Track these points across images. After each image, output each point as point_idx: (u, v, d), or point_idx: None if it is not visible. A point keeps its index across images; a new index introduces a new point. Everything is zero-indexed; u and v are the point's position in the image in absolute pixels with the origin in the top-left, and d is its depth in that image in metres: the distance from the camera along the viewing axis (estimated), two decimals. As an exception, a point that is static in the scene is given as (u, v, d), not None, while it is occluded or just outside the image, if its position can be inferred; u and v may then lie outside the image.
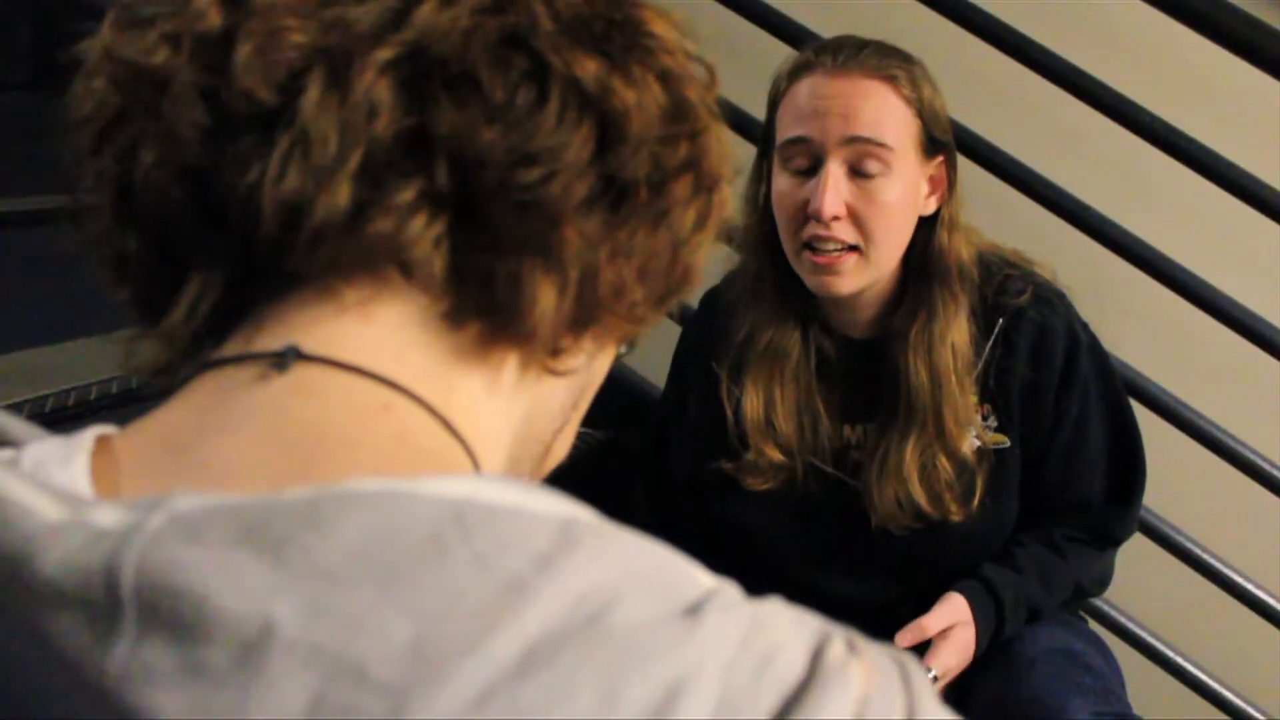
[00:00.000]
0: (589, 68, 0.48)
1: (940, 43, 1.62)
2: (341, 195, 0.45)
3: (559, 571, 0.37)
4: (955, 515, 1.29)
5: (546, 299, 0.48)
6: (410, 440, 0.45)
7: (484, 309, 0.48)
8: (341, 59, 0.46)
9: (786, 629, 0.40)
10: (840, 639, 0.40)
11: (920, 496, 1.28)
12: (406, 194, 0.46)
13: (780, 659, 0.38)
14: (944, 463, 1.28)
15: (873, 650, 0.41)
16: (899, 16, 1.32)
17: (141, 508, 0.39)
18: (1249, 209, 1.55)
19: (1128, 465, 1.35)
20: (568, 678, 0.35)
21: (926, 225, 1.29)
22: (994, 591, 1.30)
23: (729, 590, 0.41)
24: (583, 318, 0.51)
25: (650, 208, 0.51)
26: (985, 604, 1.30)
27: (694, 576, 0.40)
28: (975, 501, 1.29)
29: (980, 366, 1.29)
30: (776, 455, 1.32)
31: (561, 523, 0.39)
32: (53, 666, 0.38)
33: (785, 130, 1.25)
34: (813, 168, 1.23)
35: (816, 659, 0.39)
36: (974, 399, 1.30)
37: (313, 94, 0.46)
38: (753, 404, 1.32)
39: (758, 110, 1.33)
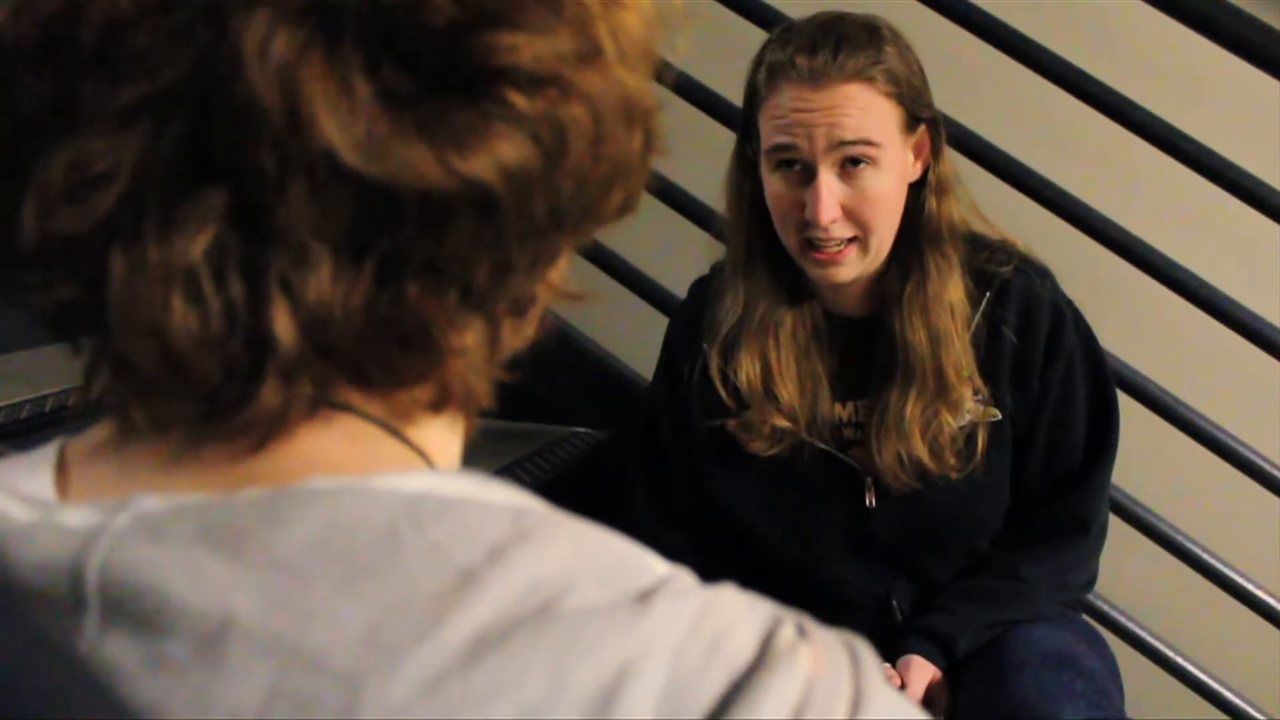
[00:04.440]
0: (425, 167, 0.39)
1: (940, 42, 1.61)
2: (195, 404, 0.40)
3: (510, 561, 0.38)
4: (955, 471, 1.30)
5: (478, 360, 0.45)
6: (361, 443, 0.44)
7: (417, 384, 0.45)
8: (139, 242, 0.38)
9: (737, 613, 0.40)
10: (791, 623, 0.41)
11: (922, 452, 1.29)
12: (270, 397, 0.40)
13: (730, 643, 0.39)
14: (946, 417, 1.29)
15: (824, 635, 0.41)
16: (898, 16, 1.32)
17: (108, 508, 0.39)
18: (1249, 209, 1.55)
19: (1102, 438, 1.37)
20: (518, 662, 0.36)
21: (914, 189, 1.31)
22: (946, 641, 1.33)
23: (682, 577, 0.41)
24: (522, 311, 0.48)
25: (565, 229, 0.45)
26: (940, 657, 1.33)
27: (647, 564, 0.41)
28: (977, 458, 1.30)
29: (969, 337, 1.31)
30: (779, 420, 1.33)
31: (514, 514, 0.40)
32: (39, 653, 0.39)
33: (771, 136, 1.26)
34: (803, 172, 1.25)
35: (766, 643, 0.39)
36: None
37: (119, 280, 0.38)
38: (750, 373, 1.33)
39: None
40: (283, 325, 0.39)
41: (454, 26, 0.39)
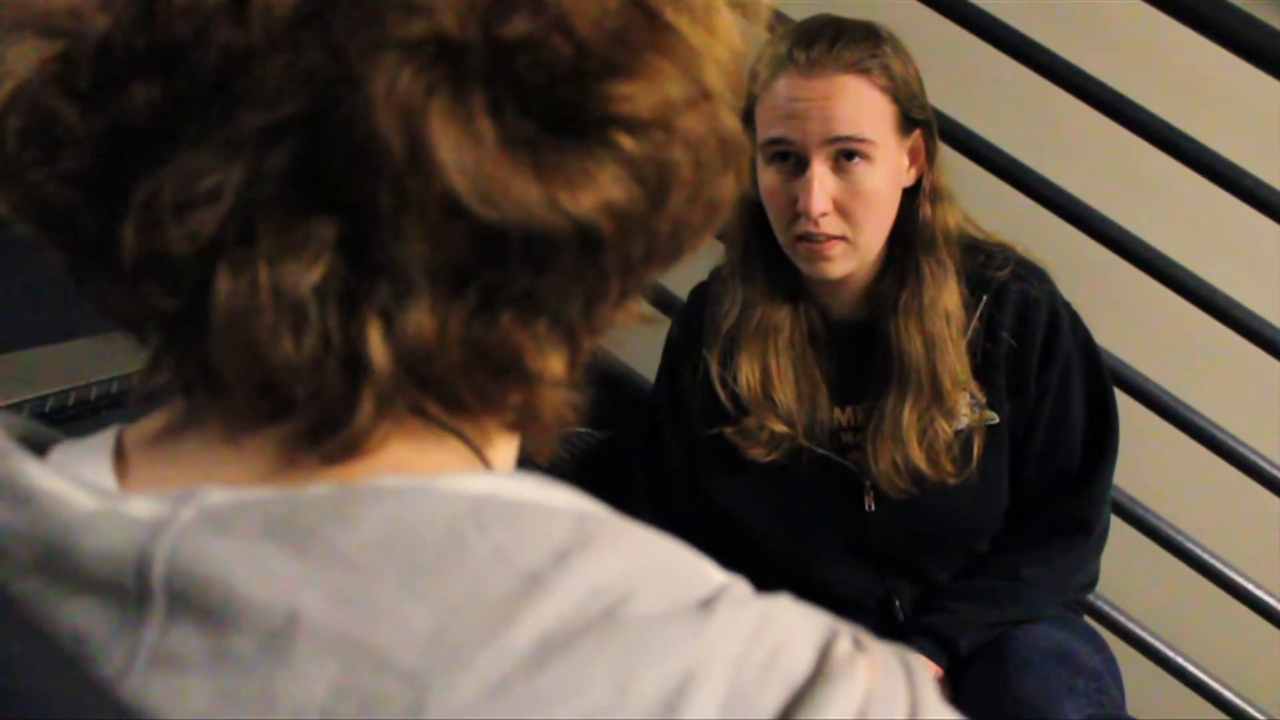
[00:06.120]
0: (538, 208, 0.39)
1: (940, 42, 1.61)
2: (282, 421, 0.41)
3: (574, 566, 0.38)
4: (952, 477, 1.30)
5: (564, 385, 0.46)
6: (427, 443, 0.44)
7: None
8: (248, 265, 0.38)
9: (795, 625, 0.40)
10: (847, 636, 0.41)
11: (919, 459, 1.29)
12: (364, 422, 0.40)
13: (788, 654, 0.39)
14: (942, 425, 1.29)
15: (879, 648, 0.42)
16: (898, 16, 1.32)
17: (173, 500, 0.39)
18: (1249, 209, 1.55)
19: (1101, 441, 1.37)
20: (582, 669, 0.36)
21: (909, 196, 1.31)
22: (947, 640, 1.33)
23: (739, 586, 0.41)
24: (599, 334, 0.48)
25: (654, 266, 0.45)
26: (942, 657, 1.33)
27: (705, 572, 0.41)
28: (974, 464, 1.30)
29: (966, 342, 1.31)
30: (778, 426, 1.33)
31: (577, 518, 0.40)
32: (59, 667, 0.39)
33: (766, 129, 1.27)
34: (796, 164, 1.26)
35: (824, 656, 0.40)
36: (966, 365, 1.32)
37: (224, 300, 0.38)
38: (749, 378, 1.34)
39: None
40: (379, 353, 0.39)
41: (574, 73, 0.39)
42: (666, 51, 0.41)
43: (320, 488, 0.39)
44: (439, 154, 0.37)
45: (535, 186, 0.39)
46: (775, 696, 0.38)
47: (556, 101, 0.39)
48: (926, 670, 0.42)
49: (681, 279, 1.56)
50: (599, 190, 0.40)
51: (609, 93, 0.39)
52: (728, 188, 0.45)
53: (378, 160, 0.37)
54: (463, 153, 0.38)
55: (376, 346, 0.39)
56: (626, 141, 0.40)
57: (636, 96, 0.40)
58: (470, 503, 0.39)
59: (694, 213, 0.44)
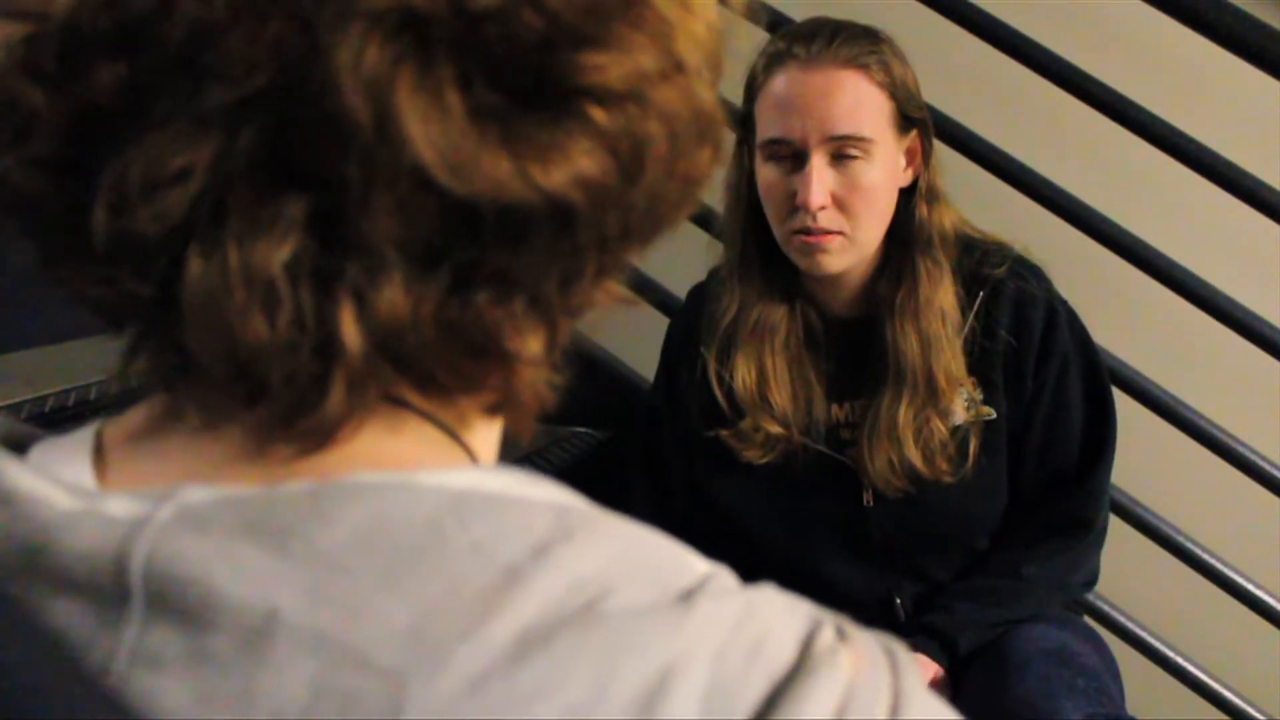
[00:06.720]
0: (509, 182, 0.38)
1: (939, 41, 1.62)
2: (256, 406, 0.40)
3: (553, 560, 0.38)
4: (948, 476, 1.31)
5: (543, 366, 0.45)
6: (407, 436, 0.44)
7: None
8: (218, 246, 0.38)
9: (778, 616, 0.40)
10: (830, 626, 0.41)
11: (915, 457, 1.30)
12: (336, 405, 0.40)
13: (770, 646, 0.39)
14: (937, 423, 1.30)
15: (863, 638, 0.41)
16: (898, 15, 1.32)
17: (151, 499, 0.39)
18: (1249, 209, 1.55)
19: (1099, 439, 1.37)
20: (562, 664, 0.36)
21: (905, 196, 1.32)
22: (948, 640, 1.33)
23: (723, 576, 0.41)
24: (577, 316, 0.48)
25: (632, 243, 0.45)
26: (942, 656, 1.33)
27: (688, 562, 0.41)
28: (969, 462, 1.31)
29: (963, 339, 1.31)
30: (773, 427, 1.34)
31: (557, 511, 0.40)
32: (50, 665, 0.39)
33: (766, 127, 1.28)
34: (796, 160, 1.27)
35: (806, 646, 0.39)
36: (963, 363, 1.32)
37: (195, 281, 0.38)
38: (745, 378, 1.34)
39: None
40: (351, 333, 0.39)
41: (544, 44, 0.38)
42: (638, 23, 0.40)
43: (298, 484, 0.39)
44: (407, 126, 0.37)
45: (505, 159, 0.38)
46: (757, 689, 0.37)
47: (526, 73, 0.39)
48: (913, 660, 0.42)
49: (681, 279, 1.57)
50: (570, 163, 0.39)
51: (579, 63, 0.39)
52: (704, 162, 0.45)
53: (345, 133, 0.37)
54: (430, 125, 0.37)
55: (349, 326, 0.38)
56: (598, 113, 0.39)
57: (607, 67, 0.39)
58: (450, 498, 0.39)
59: (670, 187, 0.43)
